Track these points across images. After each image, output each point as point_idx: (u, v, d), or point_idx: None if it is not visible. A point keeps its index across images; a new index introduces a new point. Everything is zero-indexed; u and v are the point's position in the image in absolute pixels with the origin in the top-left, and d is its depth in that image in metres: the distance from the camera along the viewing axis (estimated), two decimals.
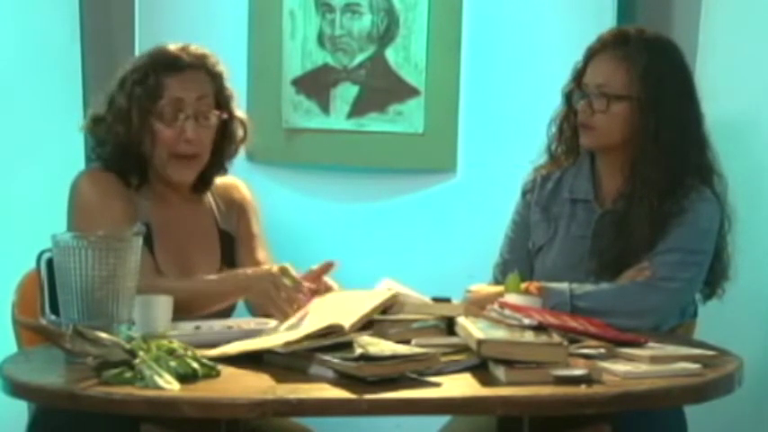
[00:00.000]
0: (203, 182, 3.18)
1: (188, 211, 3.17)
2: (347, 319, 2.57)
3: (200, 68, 3.11)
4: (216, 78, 3.13)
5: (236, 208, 3.24)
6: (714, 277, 3.15)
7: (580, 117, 3.17)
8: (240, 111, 3.21)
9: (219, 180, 3.24)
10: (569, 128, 3.23)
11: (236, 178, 3.29)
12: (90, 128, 3.13)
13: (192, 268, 3.06)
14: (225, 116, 3.14)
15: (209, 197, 3.23)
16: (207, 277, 3.02)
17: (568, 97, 3.22)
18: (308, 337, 2.48)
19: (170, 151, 3.08)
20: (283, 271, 2.92)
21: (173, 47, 3.12)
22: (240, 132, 3.20)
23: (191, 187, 3.17)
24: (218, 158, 3.18)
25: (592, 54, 3.19)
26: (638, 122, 3.11)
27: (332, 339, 2.48)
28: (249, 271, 3.01)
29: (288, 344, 2.48)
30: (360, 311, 2.67)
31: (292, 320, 2.73)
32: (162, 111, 3.06)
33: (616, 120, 3.13)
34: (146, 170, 3.11)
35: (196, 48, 3.13)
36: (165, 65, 3.08)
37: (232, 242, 3.20)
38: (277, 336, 2.60)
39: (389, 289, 2.91)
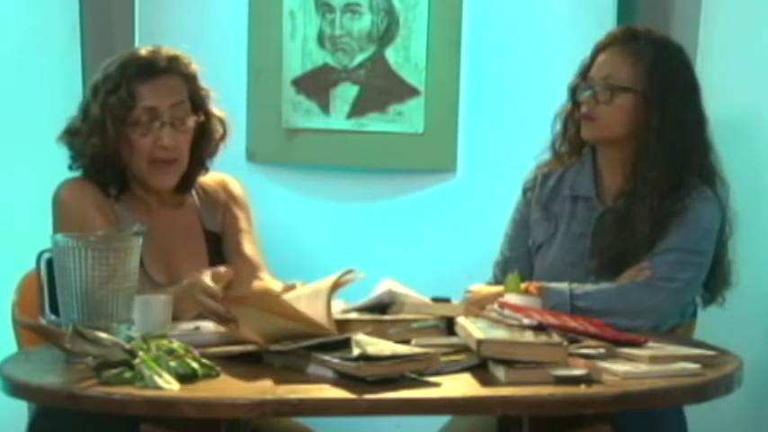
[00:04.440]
0: (185, 183, 3.15)
1: (171, 214, 3.14)
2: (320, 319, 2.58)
3: (172, 72, 3.06)
4: (189, 80, 3.09)
5: (221, 205, 3.21)
6: (715, 284, 3.15)
7: (583, 109, 3.16)
8: (217, 108, 3.16)
9: (207, 178, 3.21)
10: (573, 124, 3.23)
11: (226, 175, 3.26)
12: (66, 140, 3.10)
13: (180, 272, 3.02)
14: (201, 118, 3.10)
15: (193, 198, 3.20)
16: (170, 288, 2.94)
17: (574, 92, 3.21)
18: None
19: (148, 159, 3.05)
20: (215, 277, 2.84)
21: (143, 51, 3.08)
22: (220, 130, 3.17)
23: (173, 189, 3.13)
24: (198, 158, 3.15)
25: (599, 49, 3.19)
26: (641, 118, 3.11)
27: (328, 338, 2.48)
28: (184, 282, 2.92)
29: (280, 342, 2.49)
30: (321, 308, 2.66)
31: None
32: (136, 120, 3.03)
33: (619, 112, 3.12)
34: (126, 178, 3.09)
35: (167, 50, 3.08)
36: (136, 72, 3.03)
37: (218, 241, 3.17)
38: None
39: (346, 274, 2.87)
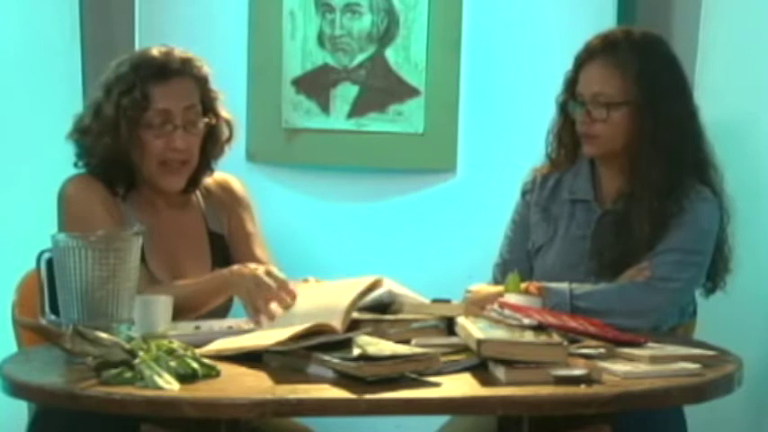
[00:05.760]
0: (191, 184, 3.14)
1: (176, 215, 3.14)
2: (335, 317, 2.58)
3: (185, 75, 3.06)
4: (201, 82, 3.09)
5: (226, 208, 3.21)
6: (716, 271, 3.15)
7: (581, 128, 3.16)
8: (225, 110, 3.16)
9: (210, 179, 3.21)
10: (567, 135, 3.22)
11: (228, 175, 3.26)
12: (76, 138, 3.09)
13: (183, 272, 3.03)
14: (213, 121, 3.10)
15: (198, 198, 3.20)
16: (189, 281, 2.98)
17: (563, 107, 3.21)
18: (296, 336, 2.48)
19: (158, 160, 3.04)
20: (267, 273, 2.86)
21: (156, 52, 3.07)
22: (226, 132, 3.17)
23: (178, 190, 3.14)
24: (205, 160, 3.15)
25: (581, 63, 3.17)
26: (636, 125, 3.11)
27: (328, 338, 2.49)
28: (234, 268, 2.94)
29: (279, 343, 2.48)
30: (344, 303, 2.67)
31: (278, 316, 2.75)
32: (150, 122, 3.02)
33: (617, 127, 3.12)
34: (133, 177, 3.09)
35: (180, 52, 3.08)
36: (150, 73, 3.03)
37: (222, 243, 3.17)
38: (267, 333, 2.60)
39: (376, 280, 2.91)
